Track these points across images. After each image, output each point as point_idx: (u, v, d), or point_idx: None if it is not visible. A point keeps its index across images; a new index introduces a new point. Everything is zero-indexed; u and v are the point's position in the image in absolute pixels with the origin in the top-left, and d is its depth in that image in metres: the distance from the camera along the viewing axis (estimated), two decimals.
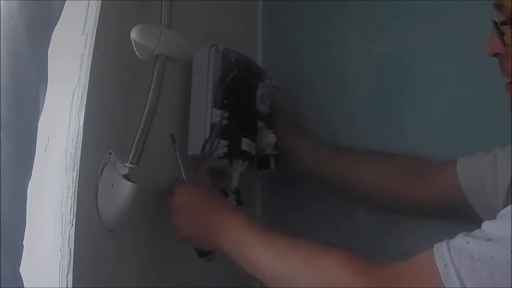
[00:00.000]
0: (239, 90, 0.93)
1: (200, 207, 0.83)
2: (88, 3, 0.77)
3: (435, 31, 1.03)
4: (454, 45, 1.00)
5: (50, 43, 0.64)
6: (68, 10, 0.67)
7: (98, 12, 0.76)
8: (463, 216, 0.87)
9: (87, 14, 0.77)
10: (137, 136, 0.78)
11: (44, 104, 0.64)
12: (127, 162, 0.77)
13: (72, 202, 0.71)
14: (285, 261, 0.72)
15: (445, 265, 0.58)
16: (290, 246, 0.73)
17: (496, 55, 0.74)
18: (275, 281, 0.74)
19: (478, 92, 0.97)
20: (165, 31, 0.81)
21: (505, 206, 0.73)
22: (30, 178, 0.61)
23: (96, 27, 0.76)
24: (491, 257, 0.56)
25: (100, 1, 0.77)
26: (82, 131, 0.73)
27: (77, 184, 0.71)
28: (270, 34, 1.20)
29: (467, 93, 0.98)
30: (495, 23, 0.71)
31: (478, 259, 0.56)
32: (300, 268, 0.71)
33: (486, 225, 0.59)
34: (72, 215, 0.70)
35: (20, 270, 0.58)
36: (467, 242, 0.58)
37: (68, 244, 0.70)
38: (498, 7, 0.71)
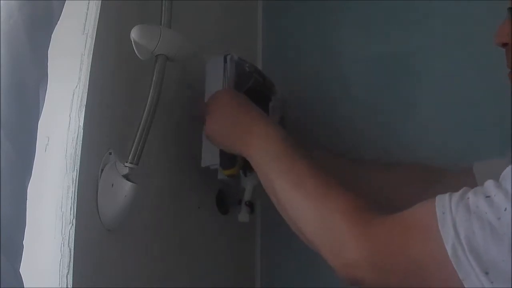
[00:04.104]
0: (254, 101, 0.93)
1: (239, 104, 0.84)
2: (88, 3, 0.77)
3: (435, 31, 1.03)
4: (455, 45, 1.00)
5: (50, 43, 0.64)
6: (68, 10, 0.67)
7: (98, 12, 0.76)
8: None
9: (87, 14, 0.76)
10: (137, 136, 0.78)
11: (44, 104, 0.64)
12: (127, 162, 0.77)
13: (72, 202, 0.71)
14: (295, 191, 0.73)
15: (443, 213, 0.58)
16: (307, 176, 0.73)
17: (504, 45, 0.73)
18: (280, 204, 0.75)
19: (479, 92, 0.97)
20: (165, 31, 0.81)
21: None
22: (30, 178, 0.61)
23: (96, 27, 0.76)
24: (486, 212, 0.56)
25: (100, 1, 0.77)
26: (82, 131, 0.72)
27: (77, 184, 0.71)
28: (270, 34, 1.20)
29: (467, 93, 0.98)
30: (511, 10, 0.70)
31: (474, 213, 0.57)
32: (307, 202, 0.72)
33: (488, 184, 0.59)
34: (72, 215, 0.70)
35: (20, 270, 0.58)
36: (468, 197, 0.59)
37: (68, 244, 0.70)
38: None
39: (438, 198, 0.61)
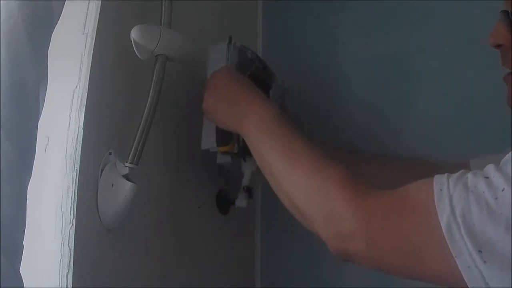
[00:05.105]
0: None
1: (237, 81, 0.86)
2: (88, 3, 0.77)
3: (435, 31, 1.03)
4: (455, 45, 1.00)
5: (50, 43, 0.64)
6: (68, 10, 0.67)
7: (98, 12, 0.76)
8: None
9: (87, 14, 0.77)
10: (137, 136, 0.78)
11: (44, 104, 0.64)
12: (127, 162, 0.77)
13: (72, 202, 0.71)
14: (290, 165, 0.74)
15: (441, 189, 0.58)
16: (302, 150, 0.74)
17: (498, 46, 0.73)
18: (276, 180, 0.76)
19: (479, 92, 0.97)
20: (165, 31, 0.81)
21: None
22: (30, 178, 0.61)
23: (96, 27, 0.76)
24: (483, 192, 0.56)
25: (100, 1, 0.77)
26: (82, 131, 0.73)
27: (77, 184, 0.71)
28: (270, 34, 1.20)
29: (467, 93, 0.98)
30: (506, 13, 0.70)
31: (471, 191, 0.57)
32: (302, 172, 0.72)
33: (488, 167, 0.59)
34: (72, 215, 0.70)
35: (20, 270, 0.58)
36: (466, 177, 0.59)
37: (68, 244, 0.70)
38: None
39: (436, 176, 0.61)
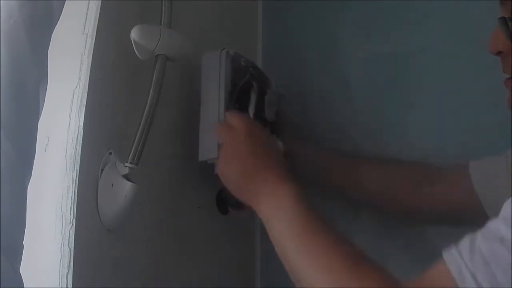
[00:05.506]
0: (250, 95, 0.93)
1: (254, 146, 0.80)
2: (88, 3, 0.77)
3: (435, 31, 1.03)
4: (455, 45, 1.00)
5: (50, 43, 0.64)
6: (68, 10, 0.67)
7: (98, 12, 0.76)
8: (473, 220, 0.85)
9: (87, 14, 0.76)
10: (137, 136, 0.78)
11: (44, 104, 0.64)
12: (127, 162, 0.77)
13: (72, 202, 0.71)
14: (314, 261, 0.67)
15: (460, 272, 0.55)
16: (325, 245, 0.67)
17: (498, 53, 0.73)
18: (296, 273, 0.69)
19: (479, 92, 0.97)
20: (165, 31, 0.81)
21: None
22: (30, 178, 0.61)
23: (96, 27, 0.76)
24: (505, 255, 0.54)
25: (100, 1, 0.77)
26: (82, 131, 0.72)
27: (77, 184, 0.71)
28: (270, 34, 1.20)
29: (467, 93, 0.98)
30: (504, 19, 0.69)
31: (492, 262, 0.54)
32: (328, 276, 0.65)
33: (494, 225, 0.57)
34: (72, 215, 0.70)
35: (20, 270, 0.58)
36: (479, 247, 0.56)
37: (68, 244, 0.70)
38: (504, 2, 0.69)
39: (446, 256, 0.57)
